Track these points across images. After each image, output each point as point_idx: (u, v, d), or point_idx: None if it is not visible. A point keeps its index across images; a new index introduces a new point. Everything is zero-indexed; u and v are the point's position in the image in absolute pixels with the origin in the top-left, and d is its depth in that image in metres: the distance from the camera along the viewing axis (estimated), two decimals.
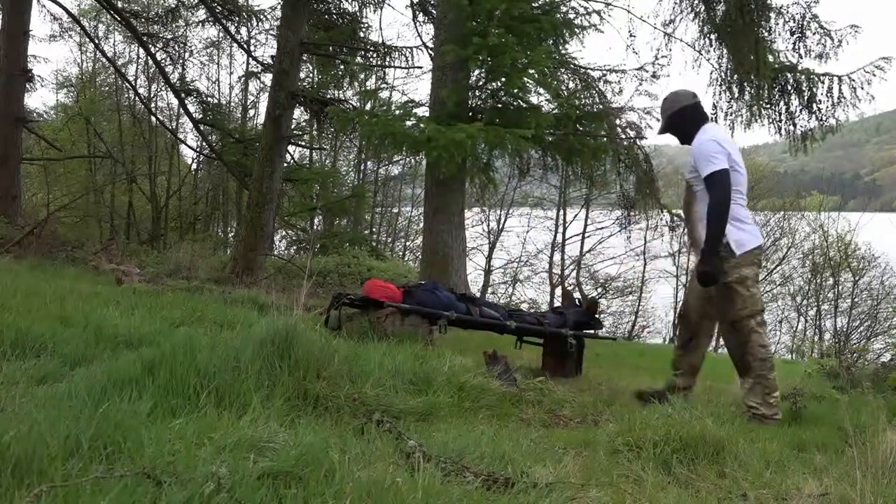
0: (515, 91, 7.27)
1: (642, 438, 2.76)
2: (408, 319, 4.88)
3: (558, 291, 20.84)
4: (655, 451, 2.67)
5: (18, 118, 11.17)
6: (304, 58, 10.76)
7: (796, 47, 8.50)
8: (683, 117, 3.85)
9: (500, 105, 7.55)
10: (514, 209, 22.42)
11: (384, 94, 9.93)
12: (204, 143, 16.22)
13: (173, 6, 12.84)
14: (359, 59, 10.94)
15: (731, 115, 8.92)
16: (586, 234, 22.19)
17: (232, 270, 9.35)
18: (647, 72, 9.16)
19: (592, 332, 5.67)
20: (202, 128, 13.33)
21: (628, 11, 9.33)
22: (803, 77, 8.47)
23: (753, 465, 2.67)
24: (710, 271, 3.61)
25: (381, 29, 23.12)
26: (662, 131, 3.98)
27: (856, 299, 19.62)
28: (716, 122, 8.99)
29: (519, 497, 2.12)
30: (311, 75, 15.55)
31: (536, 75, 7.21)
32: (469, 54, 6.78)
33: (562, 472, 2.44)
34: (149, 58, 14.44)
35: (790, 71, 8.50)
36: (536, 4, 7.26)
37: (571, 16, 8.00)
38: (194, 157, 19.75)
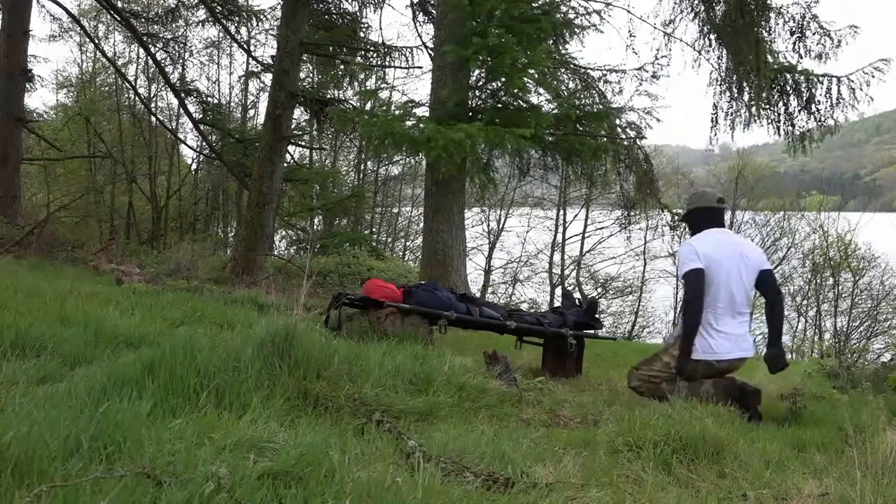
0: (515, 91, 7.26)
1: (642, 438, 2.76)
2: (408, 319, 4.88)
3: (558, 291, 20.85)
4: (655, 451, 2.67)
5: (18, 118, 11.18)
6: (304, 58, 10.75)
7: (796, 47, 8.50)
8: (692, 217, 4.22)
9: (500, 105, 7.54)
10: (514, 209, 22.44)
11: (384, 94, 9.94)
12: (204, 143, 16.23)
13: (173, 6, 12.84)
14: (359, 59, 10.93)
15: (730, 115, 8.92)
16: (586, 234, 22.22)
17: (232, 270, 9.35)
18: (647, 72, 9.16)
19: (592, 332, 5.67)
20: (202, 128, 13.33)
21: (628, 11, 9.35)
22: (802, 78, 8.47)
23: (753, 465, 2.67)
24: (680, 368, 3.93)
25: (381, 29, 23.22)
26: (681, 220, 4.29)
27: (856, 299, 19.61)
28: (715, 123, 9.01)
29: (519, 497, 2.12)
30: (311, 75, 15.56)
31: (536, 75, 7.21)
32: (469, 54, 6.78)
33: (562, 472, 2.44)
34: (149, 58, 14.45)
35: (789, 71, 8.49)
36: (536, 4, 7.25)
37: (571, 16, 8.00)
38: (194, 157, 19.80)
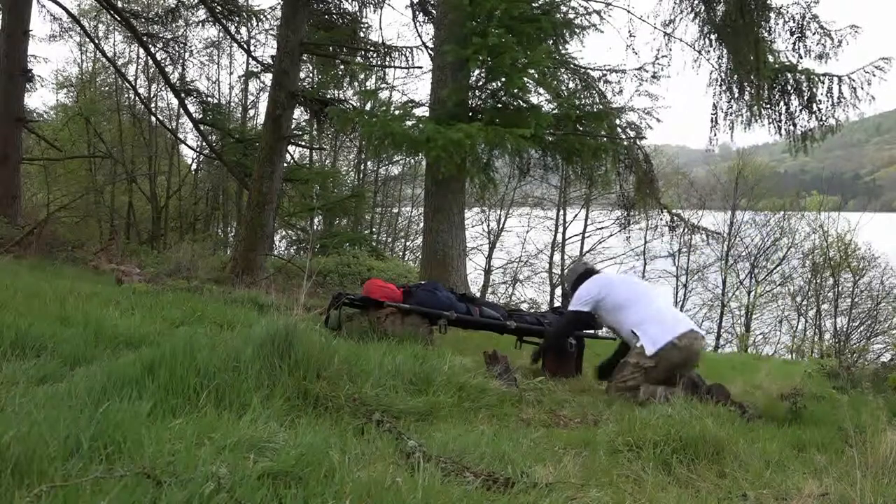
0: (515, 91, 7.26)
1: (642, 438, 2.76)
2: (408, 319, 4.88)
3: (558, 291, 20.84)
4: (655, 451, 2.68)
5: (18, 118, 11.17)
6: (304, 58, 10.74)
7: (796, 47, 8.49)
8: (577, 284, 4.78)
9: (500, 105, 7.54)
10: (514, 209, 22.43)
11: (384, 94, 9.93)
12: (204, 143, 16.23)
13: (173, 6, 12.83)
14: (359, 59, 10.93)
15: (730, 115, 8.91)
16: (586, 234, 22.22)
17: (232, 270, 9.34)
18: (647, 72, 9.14)
19: (592, 332, 5.67)
20: (202, 128, 13.32)
21: (628, 11, 9.32)
22: (803, 77, 8.46)
23: (753, 465, 2.67)
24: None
25: (381, 29, 23.22)
26: (569, 294, 4.90)
27: (856, 299, 19.62)
28: (715, 123, 9.03)
29: (519, 497, 2.12)
30: (311, 75, 15.55)
31: (536, 75, 7.20)
32: (469, 54, 6.78)
33: (562, 472, 2.44)
34: (149, 58, 14.45)
35: (790, 71, 8.49)
36: (536, 4, 7.24)
37: (571, 16, 7.98)
38: (194, 157, 19.80)
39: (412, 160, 16.21)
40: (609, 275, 4.97)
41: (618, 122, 8.45)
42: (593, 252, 22.46)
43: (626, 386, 4.20)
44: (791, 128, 8.72)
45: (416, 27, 10.77)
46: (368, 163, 20.30)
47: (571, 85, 9.04)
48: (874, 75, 8.22)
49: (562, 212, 22.00)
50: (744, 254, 21.91)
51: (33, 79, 12.54)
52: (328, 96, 10.88)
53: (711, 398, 3.69)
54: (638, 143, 8.92)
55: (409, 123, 7.06)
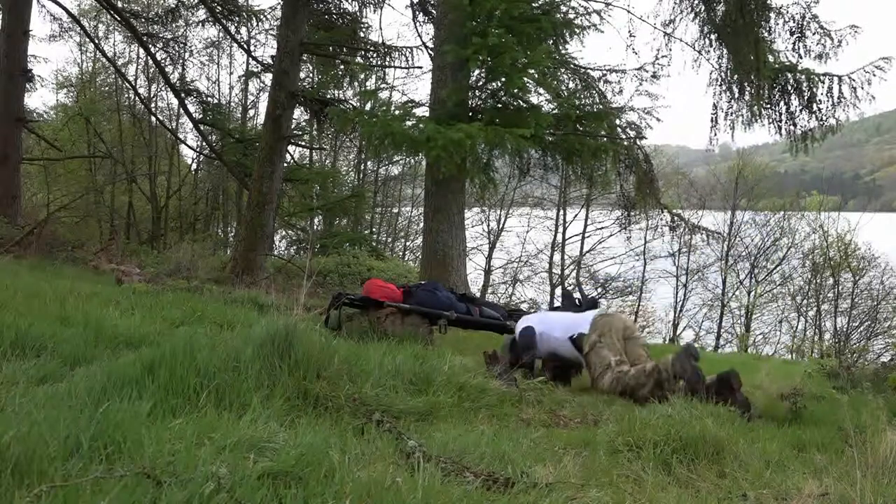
0: (515, 91, 7.26)
1: (642, 438, 2.76)
2: (408, 319, 4.89)
3: (558, 291, 20.84)
4: (655, 451, 2.67)
5: (18, 118, 11.17)
6: (304, 58, 10.75)
7: (796, 47, 8.49)
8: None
9: (500, 105, 7.54)
10: (514, 209, 22.43)
11: (384, 94, 9.94)
12: (204, 143, 16.24)
13: (173, 6, 12.84)
14: (359, 59, 10.93)
15: (731, 114, 8.91)
16: (586, 234, 22.21)
17: (232, 270, 9.35)
18: (647, 72, 9.15)
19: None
20: (202, 128, 13.33)
21: (628, 11, 9.33)
22: (803, 77, 8.46)
23: (753, 465, 2.67)
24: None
25: (381, 29, 23.21)
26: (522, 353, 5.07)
27: (856, 299, 19.61)
28: (715, 123, 9.07)
29: (519, 497, 2.12)
30: (311, 75, 15.55)
31: (536, 75, 7.21)
32: (469, 54, 6.78)
33: (562, 472, 2.44)
34: (149, 58, 14.46)
35: (790, 71, 8.49)
36: (536, 4, 7.25)
37: (571, 16, 7.99)
38: (194, 157, 19.81)
39: (412, 160, 16.23)
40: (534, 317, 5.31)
41: (618, 122, 8.46)
42: (593, 252, 22.47)
43: (605, 364, 4.26)
44: (791, 128, 8.73)
45: (416, 27, 10.78)
46: (368, 163, 20.31)
47: (571, 85, 9.05)
48: (874, 75, 8.22)
49: (562, 212, 22.00)
50: (744, 254, 21.92)
51: (33, 79, 12.55)
52: (328, 96, 10.88)
53: (725, 385, 3.70)
54: (638, 143, 8.93)
55: (409, 123, 7.06)
